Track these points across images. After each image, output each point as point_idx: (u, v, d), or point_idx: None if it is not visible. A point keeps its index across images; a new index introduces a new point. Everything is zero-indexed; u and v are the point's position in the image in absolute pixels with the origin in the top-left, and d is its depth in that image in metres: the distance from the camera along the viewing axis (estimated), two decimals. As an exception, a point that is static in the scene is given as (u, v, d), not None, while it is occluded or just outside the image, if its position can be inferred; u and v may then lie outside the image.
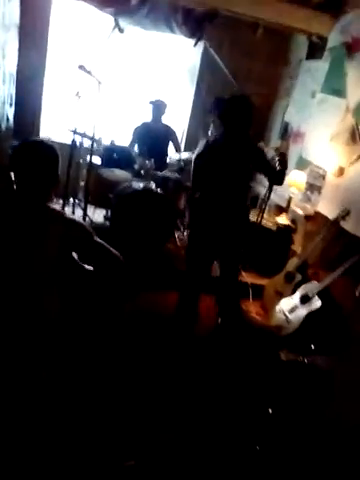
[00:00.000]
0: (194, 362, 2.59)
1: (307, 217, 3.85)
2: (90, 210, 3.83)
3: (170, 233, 3.81)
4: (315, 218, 3.75)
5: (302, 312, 2.86)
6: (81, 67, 3.36)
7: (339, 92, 3.56)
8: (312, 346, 2.36)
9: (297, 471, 1.84)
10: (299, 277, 3.16)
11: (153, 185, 3.69)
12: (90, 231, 1.69)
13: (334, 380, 2.14)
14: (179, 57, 4.70)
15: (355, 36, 3.46)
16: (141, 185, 3.62)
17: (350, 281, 2.92)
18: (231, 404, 2.29)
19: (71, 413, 1.97)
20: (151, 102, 4.18)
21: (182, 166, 3.93)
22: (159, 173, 3.87)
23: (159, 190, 3.64)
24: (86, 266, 1.73)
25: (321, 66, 3.89)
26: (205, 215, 2.66)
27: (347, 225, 3.15)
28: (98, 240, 1.70)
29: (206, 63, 4.41)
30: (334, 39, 3.72)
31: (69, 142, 3.68)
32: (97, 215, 3.96)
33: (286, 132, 4.41)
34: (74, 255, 1.71)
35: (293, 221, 3.94)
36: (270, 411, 2.07)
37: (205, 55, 4.33)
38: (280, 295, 3.22)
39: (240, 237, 2.71)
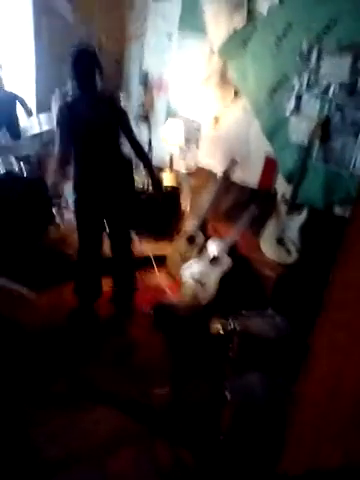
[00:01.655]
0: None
1: (189, 174, 3.70)
2: None
3: (47, 219, 3.30)
4: (198, 173, 3.61)
5: (216, 274, 2.76)
6: None
7: (199, 32, 3.32)
8: (243, 312, 2.27)
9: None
10: (201, 237, 3.03)
11: (14, 162, 3.10)
12: None
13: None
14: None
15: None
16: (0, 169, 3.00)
17: (249, 232, 2.89)
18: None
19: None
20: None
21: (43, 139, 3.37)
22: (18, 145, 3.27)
23: (22, 167, 3.08)
24: None
25: (171, 5, 3.58)
26: (85, 177, 2.51)
27: (237, 176, 3.07)
28: None
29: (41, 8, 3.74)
30: (182, -27, 3.41)
31: None
32: None
33: (146, 81, 4.06)
34: None
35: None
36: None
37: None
38: (186, 259, 3.07)
39: (125, 196, 2.59)
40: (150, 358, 2.32)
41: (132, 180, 2.84)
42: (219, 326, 2.29)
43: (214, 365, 2.20)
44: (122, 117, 2.53)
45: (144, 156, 2.69)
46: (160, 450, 1.80)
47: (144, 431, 1.88)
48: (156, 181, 2.73)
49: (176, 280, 3.10)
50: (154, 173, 2.72)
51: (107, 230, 2.66)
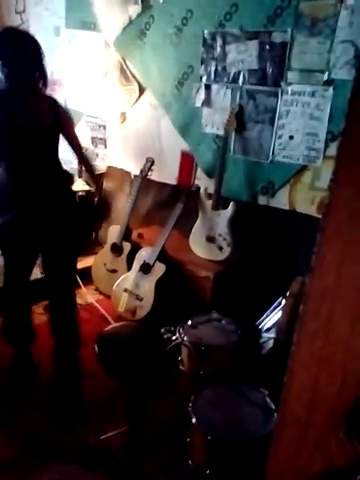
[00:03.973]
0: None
1: (101, 175, 3.44)
2: None
3: None
4: (110, 174, 3.37)
5: (150, 283, 2.59)
6: None
7: (90, 25, 3.06)
8: (189, 322, 2.13)
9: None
10: (128, 246, 2.83)
11: None
12: None
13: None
14: None
15: None
16: None
17: (177, 233, 2.77)
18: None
19: None
20: None
21: None
22: None
23: None
24: None
25: (55, -5, 3.25)
26: (16, 193, 1.99)
27: (154, 175, 2.91)
28: None
29: None
30: None
31: None
32: None
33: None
34: None
35: (87, 183, 3.47)
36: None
37: None
38: (115, 272, 2.85)
39: (67, 219, 2.10)
40: (100, 395, 2.09)
41: (74, 199, 2.31)
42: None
43: (171, 384, 2.05)
44: (66, 119, 2.09)
45: (89, 165, 2.35)
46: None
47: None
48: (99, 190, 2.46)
49: (107, 296, 2.87)
50: (98, 184, 2.45)
51: (42, 265, 2.19)
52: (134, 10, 2.78)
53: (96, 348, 1.65)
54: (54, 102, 2.04)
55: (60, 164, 2.10)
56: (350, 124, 0.96)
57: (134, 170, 3.09)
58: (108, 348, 1.70)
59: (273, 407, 1.68)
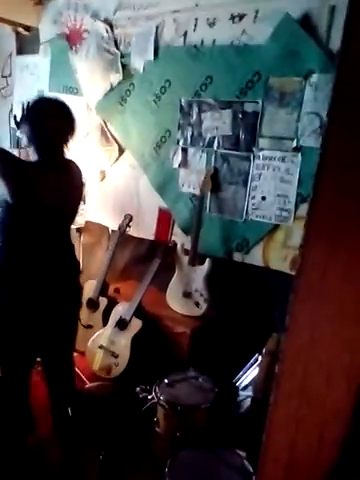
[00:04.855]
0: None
1: (79, 230, 3.47)
2: None
3: None
4: (88, 229, 3.41)
5: (126, 339, 2.55)
6: None
7: (73, 90, 3.22)
8: (166, 380, 2.10)
9: None
10: (104, 301, 2.81)
11: None
12: None
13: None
14: None
15: (71, 27, 3.15)
16: None
17: (154, 288, 2.78)
18: None
19: None
20: None
21: None
22: None
23: None
24: None
25: (40, 61, 3.42)
26: (23, 280, 1.74)
27: (132, 231, 2.96)
28: None
29: None
30: (48, 31, 3.30)
31: None
32: None
33: (19, 141, 3.79)
34: None
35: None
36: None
37: None
38: (90, 328, 2.80)
39: (73, 308, 1.94)
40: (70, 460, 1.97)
41: (80, 294, 2.04)
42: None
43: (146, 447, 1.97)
44: (82, 194, 1.95)
45: None
46: None
47: None
48: None
49: (81, 352, 2.79)
50: None
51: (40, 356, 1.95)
52: (115, 78, 2.96)
53: (69, 411, 1.60)
54: (78, 170, 1.90)
55: (72, 248, 1.91)
56: (317, 193, 1.04)
57: (112, 225, 3.14)
58: (81, 410, 1.65)
59: (251, 470, 1.64)
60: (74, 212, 1.88)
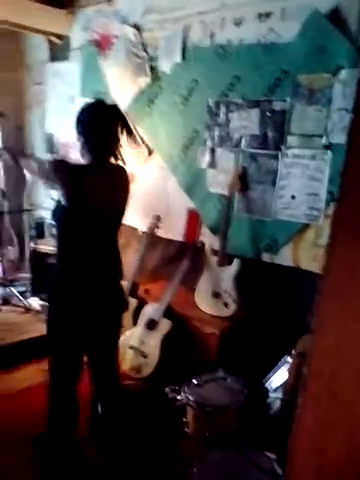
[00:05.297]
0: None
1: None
2: None
3: None
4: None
5: (156, 339, 2.58)
6: None
7: (103, 94, 3.28)
8: (195, 381, 2.10)
9: None
10: (134, 302, 2.85)
11: None
12: None
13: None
14: None
15: (102, 32, 3.22)
16: None
17: (183, 289, 2.79)
18: None
19: None
20: None
21: None
22: None
23: None
24: None
25: (71, 68, 3.52)
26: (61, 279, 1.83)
27: (160, 232, 2.99)
28: None
29: None
30: (78, 38, 3.39)
31: None
32: None
33: (52, 145, 3.90)
34: None
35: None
36: None
37: None
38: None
39: (118, 304, 1.97)
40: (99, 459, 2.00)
41: (123, 296, 2.03)
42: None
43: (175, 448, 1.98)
44: (128, 198, 1.92)
45: None
46: None
47: None
48: None
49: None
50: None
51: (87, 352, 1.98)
52: (144, 81, 3.01)
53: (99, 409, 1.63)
54: (124, 173, 1.91)
55: (118, 250, 1.93)
56: (344, 191, 1.02)
57: (141, 227, 3.18)
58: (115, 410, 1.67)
59: (280, 473, 1.61)
60: (121, 215, 1.91)
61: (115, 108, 1.83)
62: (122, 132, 1.81)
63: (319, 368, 1.09)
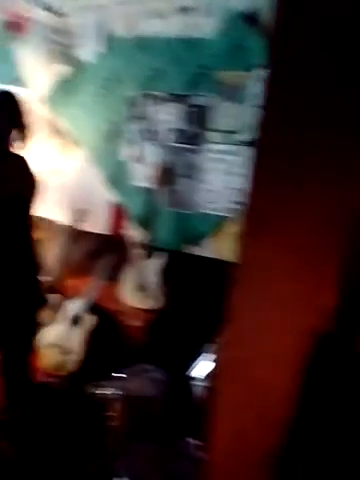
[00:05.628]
0: None
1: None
2: None
3: None
4: (40, 226, 3.31)
5: (79, 335, 2.52)
6: None
7: (19, 82, 3.11)
8: (117, 374, 2.09)
9: None
10: (57, 298, 2.75)
11: None
12: None
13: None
14: None
15: (17, 13, 3.03)
16: None
17: (108, 283, 2.76)
18: None
19: None
20: None
21: None
22: None
23: None
24: None
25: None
26: None
27: (85, 225, 2.92)
28: None
29: None
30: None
31: None
32: None
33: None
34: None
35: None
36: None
37: None
38: (42, 325, 2.74)
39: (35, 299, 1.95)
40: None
41: (39, 293, 2.03)
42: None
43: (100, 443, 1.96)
44: (34, 187, 1.90)
45: None
46: None
47: None
48: None
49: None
50: None
51: None
52: (63, 70, 2.89)
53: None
54: (24, 164, 1.88)
55: (31, 244, 1.90)
56: (254, 185, 1.07)
57: (65, 221, 3.08)
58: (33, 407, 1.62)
59: (203, 458, 1.67)
60: (25, 205, 1.85)
61: (5, 96, 1.77)
62: (12, 122, 1.77)
63: (234, 353, 1.15)
